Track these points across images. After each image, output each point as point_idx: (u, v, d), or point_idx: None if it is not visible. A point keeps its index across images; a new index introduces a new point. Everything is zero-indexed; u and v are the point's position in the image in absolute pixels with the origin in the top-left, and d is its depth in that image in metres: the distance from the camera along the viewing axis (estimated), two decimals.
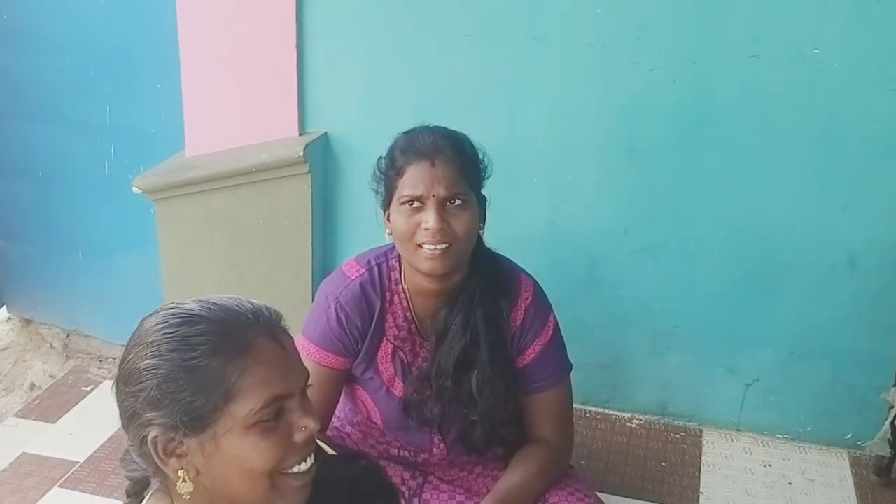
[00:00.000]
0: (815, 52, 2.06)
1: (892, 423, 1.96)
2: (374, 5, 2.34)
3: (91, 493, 2.24)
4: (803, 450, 2.41)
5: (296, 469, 1.02)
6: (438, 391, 1.68)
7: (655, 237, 2.33)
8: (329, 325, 1.67)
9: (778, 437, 2.44)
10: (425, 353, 1.70)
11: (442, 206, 1.54)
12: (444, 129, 1.63)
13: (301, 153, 2.38)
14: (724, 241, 2.28)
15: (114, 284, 3.31)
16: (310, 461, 1.03)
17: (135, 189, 2.54)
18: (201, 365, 0.96)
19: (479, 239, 1.68)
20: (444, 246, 1.55)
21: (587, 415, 2.55)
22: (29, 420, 2.82)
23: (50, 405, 2.88)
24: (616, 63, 2.18)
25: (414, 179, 1.56)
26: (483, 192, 1.66)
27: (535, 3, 2.20)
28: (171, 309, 1.01)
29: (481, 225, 1.64)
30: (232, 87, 2.48)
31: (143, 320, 1.03)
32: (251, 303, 1.03)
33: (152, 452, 0.98)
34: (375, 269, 1.70)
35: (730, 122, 2.18)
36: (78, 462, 2.34)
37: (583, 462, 2.34)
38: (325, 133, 2.48)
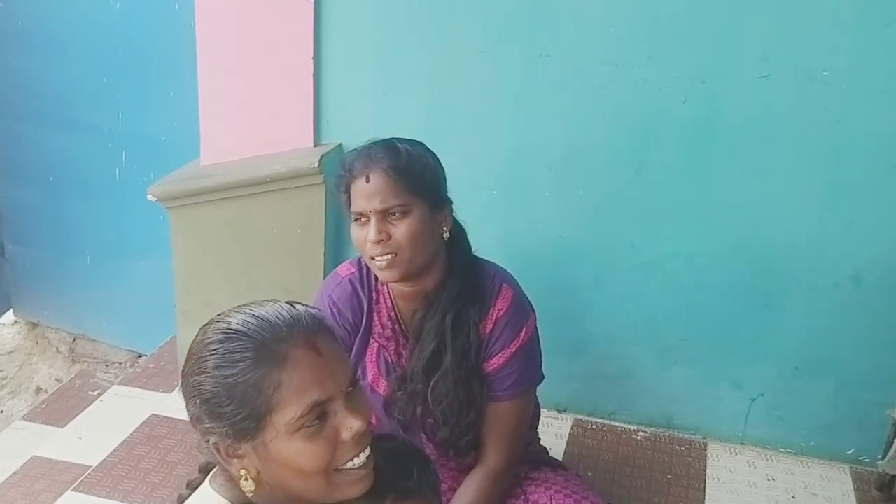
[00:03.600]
0: (825, 73, 2.09)
1: None
2: (390, 20, 2.38)
3: (105, 496, 2.26)
4: (806, 464, 2.44)
5: (350, 465, 1.07)
6: (410, 393, 1.73)
7: (662, 251, 2.36)
8: None
9: (781, 452, 2.47)
10: (407, 354, 1.76)
11: (383, 219, 1.60)
12: (389, 140, 1.67)
13: (316, 164, 2.41)
14: (730, 256, 2.32)
15: (121, 290, 3.34)
16: (364, 456, 1.08)
17: (150, 196, 2.57)
18: (240, 381, 1.02)
19: (458, 243, 1.73)
20: (388, 257, 1.60)
21: (593, 426, 2.58)
22: (36, 423, 2.85)
23: (57, 409, 2.90)
24: (627, 81, 2.22)
25: (355, 196, 1.64)
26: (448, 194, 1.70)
27: (547, 21, 2.23)
28: (218, 323, 1.07)
29: (444, 228, 1.68)
30: (248, 97, 2.52)
31: (199, 331, 1.09)
32: (290, 312, 1.07)
33: (216, 454, 1.05)
34: (365, 269, 1.76)
35: (737, 141, 2.21)
36: (90, 466, 2.36)
37: (590, 473, 2.37)
38: (340, 144, 2.51)
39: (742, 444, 2.50)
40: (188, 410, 1.07)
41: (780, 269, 2.29)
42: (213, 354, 1.03)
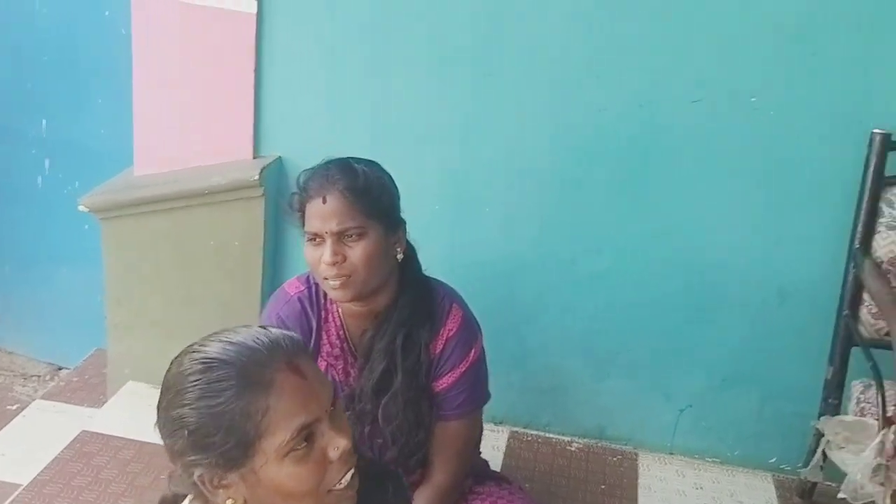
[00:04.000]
0: (753, 100, 2.20)
1: (823, 452, 2.10)
2: (335, 34, 2.38)
3: None
4: (732, 472, 2.54)
5: (338, 486, 1.07)
6: (359, 413, 1.73)
7: (601, 267, 2.43)
8: None
9: (708, 461, 2.57)
10: (355, 373, 1.76)
11: (338, 241, 1.60)
12: (346, 161, 1.67)
13: (257, 177, 2.39)
14: (665, 271, 2.40)
15: (42, 300, 3.23)
16: (349, 475, 1.08)
17: (81, 207, 2.50)
18: (227, 410, 1.01)
19: (411, 262, 1.75)
20: (342, 278, 1.61)
21: (529, 438, 2.63)
22: None
23: None
24: (569, 102, 2.29)
25: (310, 217, 1.63)
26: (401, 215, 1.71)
27: (493, 41, 2.28)
28: (195, 353, 1.06)
29: (398, 249, 1.69)
30: (186, 106, 2.48)
31: (172, 363, 1.07)
32: (268, 336, 1.07)
33: (201, 487, 1.04)
34: (314, 287, 1.76)
35: (672, 161, 2.30)
36: (20, 485, 2.27)
37: (527, 485, 2.41)
38: (280, 157, 2.50)
39: (671, 453, 2.59)
40: (169, 445, 1.05)
41: (711, 285, 2.39)
42: (194, 385, 1.02)
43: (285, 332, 1.10)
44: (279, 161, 2.50)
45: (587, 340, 2.52)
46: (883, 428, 1.83)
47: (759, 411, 2.48)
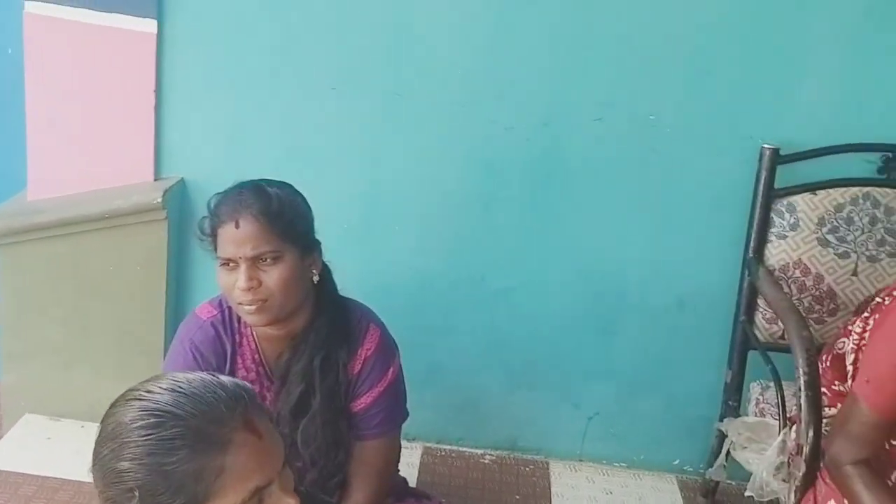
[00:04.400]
0: (651, 118, 2.29)
1: (727, 452, 2.20)
2: (239, 53, 2.35)
3: None
4: (638, 476, 2.63)
5: None
6: None
7: (510, 282, 2.48)
8: (186, 367, 1.67)
9: (616, 466, 2.65)
10: (272, 397, 1.74)
11: (253, 265, 1.58)
12: (258, 184, 1.66)
13: (159, 199, 2.33)
14: (572, 284, 2.47)
15: None
16: None
17: None
18: (178, 469, 0.95)
19: (326, 283, 1.74)
20: (258, 303, 1.59)
21: (442, 453, 2.65)
22: None
23: None
24: (476, 121, 2.33)
25: (223, 242, 1.61)
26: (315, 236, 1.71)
27: (400, 60, 2.30)
28: (142, 402, 0.99)
29: (314, 271, 1.69)
30: (84, 128, 2.39)
31: (113, 409, 1.00)
32: (224, 389, 1.01)
33: None
34: (227, 311, 1.73)
35: (577, 178, 2.37)
36: None
37: (443, 500, 2.42)
38: (182, 179, 2.44)
39: (581, 460, 2.66)
40: (105, 495, 0.99)
41: (615, 297, 2.47)
42: (144, 440, 0.95)
43: (241, 383, 1.05)
44: (182, 183, 2.44)
45: (497, 355, 2.56)
46: (784, 427, 1.93)
47: (663, 416, 2.58)
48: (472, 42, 2.28)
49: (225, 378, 1.04)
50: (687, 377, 2.52)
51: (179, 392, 0.99)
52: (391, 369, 1.77)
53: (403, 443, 2.58)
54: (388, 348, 1.78)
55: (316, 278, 1.71)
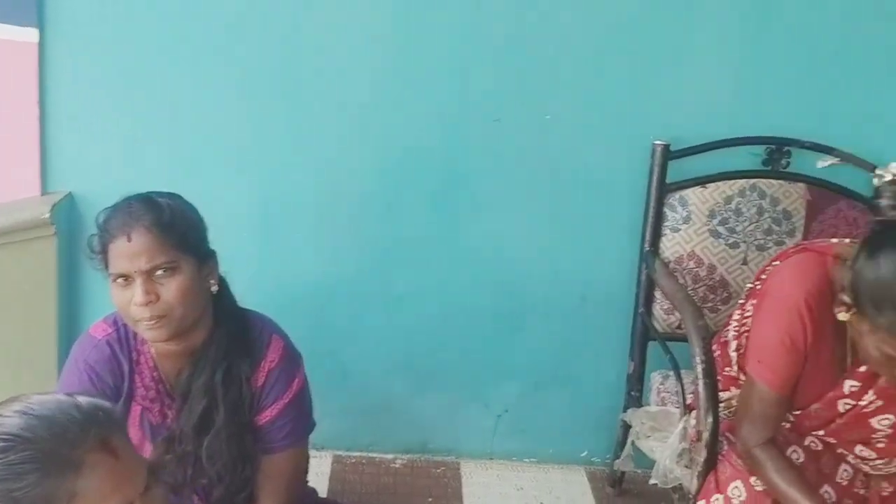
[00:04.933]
0: (547, 117, 2.33)
1: (632, 442, 2.25)
2: (125, 61, 2.28)
3: None
4: (548, 470, 2.66)
5: None
6: (180, 455, 1.68)
7: (414, 285, 2.48)
8: (81, 388, 1.62)
9: (526, 462, 2.68)
10: (173, 414, 1.70)
11: (148, 279, 1.54)
12: (147, 196, 1.62)
13: (47, 215, 2.24)
14: (476, 285, 2.49)
15: None
16: None
17: None
18: (29, 494, 0.91)
19: (225, 295, 1.71)
20: (157, 318, 1.55)
21: (352, 460, 2.63)
22: None
23: None
24: (375, 123, 2.32)
25: (115, 258, 1.56)
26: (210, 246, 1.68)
27: (297, 65, 2.27)
28: None
29: (212, 281, 1.66)
30: None
31: None
32: (79, 409, 0.97)
33: None
34: (122, 329, 1.68)
35: (477, 179, 2.39)
36: None
37: None
38: (70, 193, 2.35)
39: (491, 459, 2.68)
40: None
41: (519, 295, 2.50)
42: None
43: (99, 403, 1.01)
44: (70, 197, 2.35)
45: (405, 357, 2.56)
46: (684, 415, 1.99)
47: (570, 409, 2.63)
48: (371, 44, 2.27)
49: (82, 398, 1.00)
50: (592, 370, 2.57)
51: (30, 415, 0.95)
52: (296, 380, 1.75)
53: (312, 452, 2.55)
54: (291, 359, 1.76)
55: (215, 288, 1.67)
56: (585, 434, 2.65)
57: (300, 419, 1.78)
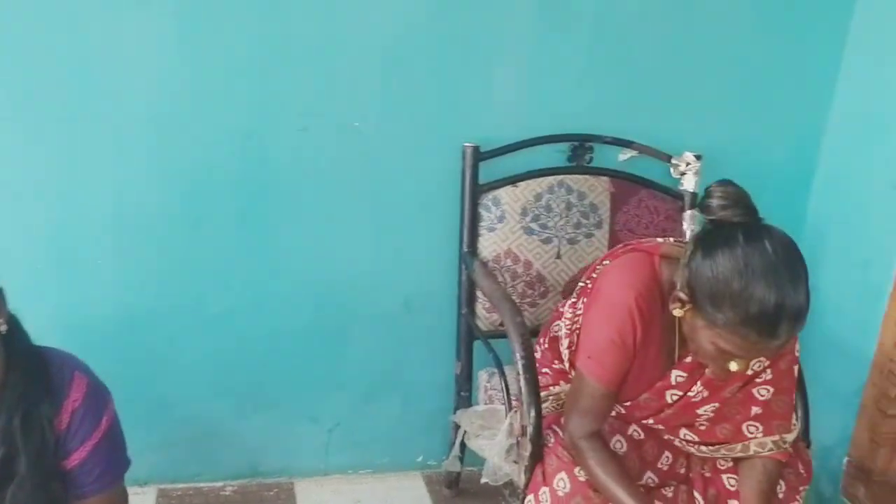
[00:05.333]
0: (356, 124, 2.30)
1: (461, 442, 2.26)
2: None
3: None
4: (384, 479, 2.64)
5: None
6: None
7: (230, 303, 2.38)
8: None
9: (362, 473, 2.65)
10: None
11: None
12: None
13: None
14: (296, 298, 2.42)
15: None
16: None
17: None
18: None
19: (16, 334, 1.57)
20: None
21: (178, 492, 2.50)
22: None
23: None
24: (172, 141, 2.20)
25: None
26: None
27: (81, 83, 2.11)
28: None
29: (1, 321, 1.53)
30: None
31: None
32: None
33: None
34: None
35: (288, 190, 2.32)
36: None
37: None
38: None
39: (326, 474, 2.63)
40: None
41: (342, 306, 2.45)
42: None
43: None
44: None
45: (226, 380, 2.45)
46: (510, 411, 2.02)
47: (402, 416, 2.61)
48: (160, 57, 2.14)
49: None
50: (421, 374, 2.57)
51: None
52: (104, 418, 1.63)
53: (135, 489, 2.43)
54: (97, 396, 1.64)
55: (4, 328, 1.53)
56: (419, 438, 2.65)
57: (112, 459, 1.66)
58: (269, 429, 2.54)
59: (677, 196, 2.43)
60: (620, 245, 1.89)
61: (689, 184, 2.41)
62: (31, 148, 2.14)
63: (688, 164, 2.39)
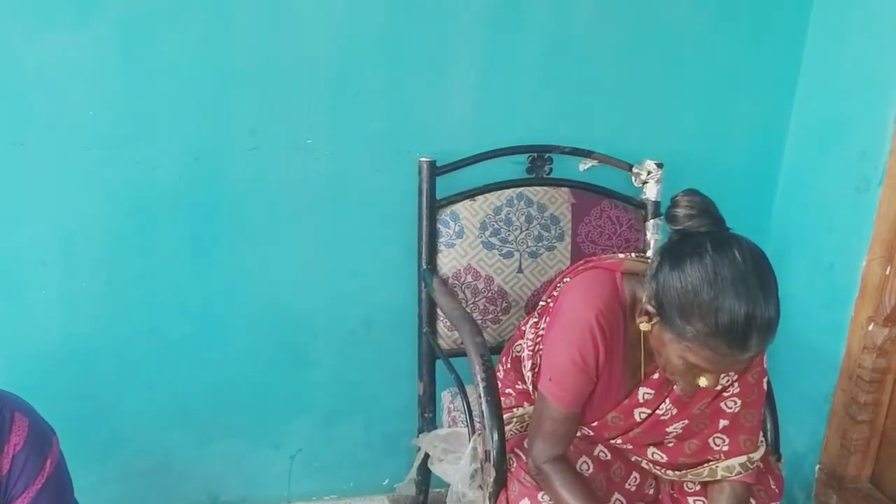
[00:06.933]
0: (309, 141, 2.23)
1: (419, 465, 2.20)
2: None
3: None
4: None
5: None
6: None
7: (184, 331, 2.30)
8: None
9: (326, 499, 2.58)
10: None
11: None
12: None
13: None
14: (255, 322, 2.35)
15: None
16: None
17: None
18: None
19: None
20: None
21: None
22: None
23: None
24: (117, 164, 2.12)
25: None
26: None
27: (19, 107, 2.03)
28: None
29: None
30: None
31: None
32: None
33: None
34: None
35: (241, 211, 2.25)
36: None
37: None
38: None
39: (289, 502, 2.55)
40: None
41: (300, 328, 2.39)
42: None
43: None
44: None
45: (183, 409, 2.37)
46: (473, 433, 1.96)
47: (365, 439, 2.55)
48: (103, 78, 2.06)
49: None
50: (384, 396, 2.51)
51: None
52: (48, 460, 1.56)
53: None
54: (40, 437, 1.57)
55: None
56: (384, 461, 2.58)
57: (59, 502, 1.59)
58: (230, 457, 2.46)
59: (640, 205, 2.39)
60: (581, 262, 1.84)
61: (651, 192, 2.37)
62: None
63: (649, 172, 2.35)
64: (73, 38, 2.02)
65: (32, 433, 1.55)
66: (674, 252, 1.53)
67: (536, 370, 1.81)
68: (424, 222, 2.26)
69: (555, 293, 1.81)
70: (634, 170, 2.37)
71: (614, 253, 1.85)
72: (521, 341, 1.91)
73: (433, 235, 2.27)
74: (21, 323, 2.17)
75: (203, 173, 2.19)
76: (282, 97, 2.19)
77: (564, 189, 2.33)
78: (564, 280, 1.81)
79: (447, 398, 2.27)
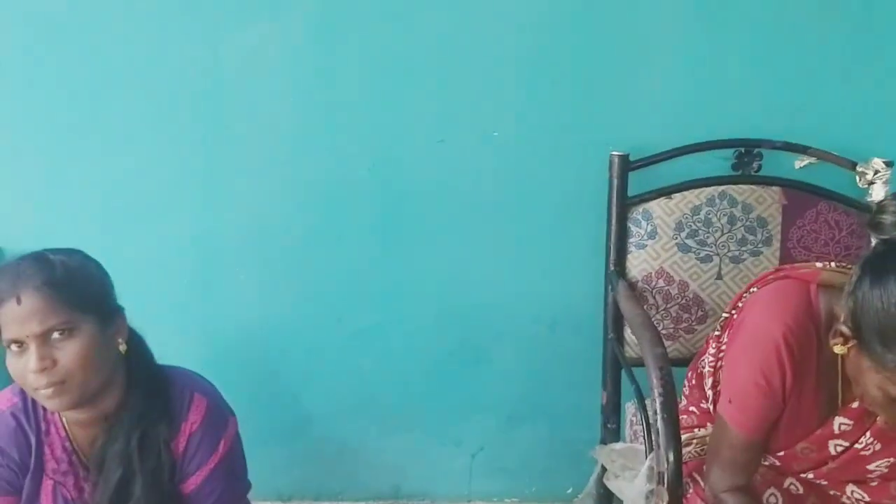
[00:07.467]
0: (496, 134, 2.17)
1: (596, 479, 2.08)
2: (32, 107, 2.15)
3: None
4: None
5: None
6: None
7: (369, 321, 2.32)
8: None
9: (507, 501, 2.51)
10: (90, 487, 1.57)
11: (43, 343, 1.42)
12: (40, 253, 1.49)
13: None
14: (437, 316, 2.32)
15: None
16: None
17: None
18: None
19: (138, 354, 1.58)
20: (55, 385, 1.42)
21: None
22: None
23: None
24: (311, 155, 2.18)
25: (6, 323, 1.43)
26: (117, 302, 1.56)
27: (216, 97, 2.13)
28: None
29: (119, 341, 1.53)
30: None
31: None
32: None
33: None
34: (29, 398, 1.55)
35: (427, 205, 2.23)
36: None
37: None
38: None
39: (469, 500, 2.51)
40: None
41: (484, 325, 2.33)
42: None
43: None
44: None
45: (367, 398, 2.40)
46: (650, 451, 1.81)
47: (550, 444, 2.45)
48: (297, 73, 2.12)
49: None
50: (567, 401, 2.40)
51: None
52: (222, 441, 1.60)
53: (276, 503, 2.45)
54: (217, 419, 1.61)
55: (123, 348, 1.54)
56: (567, 469, 2.46)
57: (231, 484, 1.63)
58: (411, 449, 2.46)
59: (864, 209, 2.10)
60: (772, 270, 1.63)
61: (878, 194, 2.08)
62: (169, 168, 2.19)
63: (876, 171, 2.07)
64: (265, 30, 2.10)
65: (210, 414, 1.60)
66: (876, 265, 1.30)
67: (717, 389, 1.63)
68: (614, 221, 2.13)
69: (740, 304, 1.62)
70: (859, 168, 2.10)
71: (811, 262, 1.62)
72: (705, 356, 1.74)
73: (623, 235, 2.13)
74: (222, 303, 2.27)
75: (392, 165, 2.20)
76: (469, 88, 2.14)
77: (775, 188, 2.10)
78: (751, 290, 1.61)
79: (630, 410, 2.12)
